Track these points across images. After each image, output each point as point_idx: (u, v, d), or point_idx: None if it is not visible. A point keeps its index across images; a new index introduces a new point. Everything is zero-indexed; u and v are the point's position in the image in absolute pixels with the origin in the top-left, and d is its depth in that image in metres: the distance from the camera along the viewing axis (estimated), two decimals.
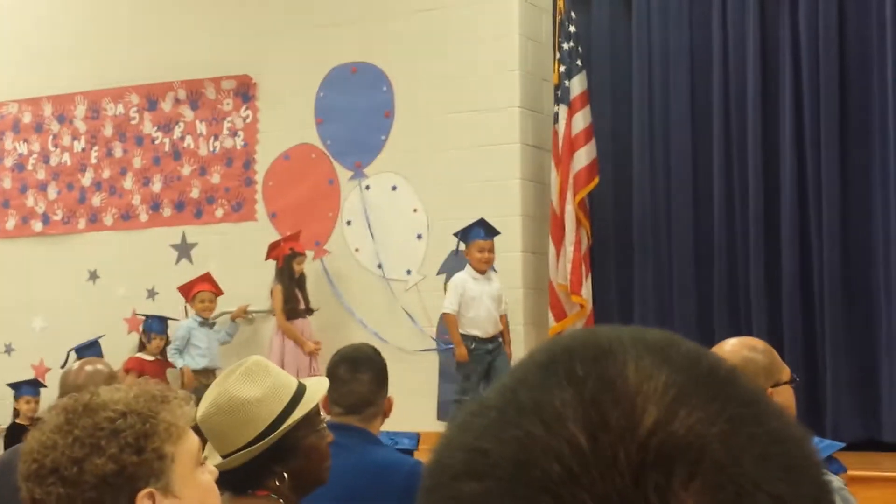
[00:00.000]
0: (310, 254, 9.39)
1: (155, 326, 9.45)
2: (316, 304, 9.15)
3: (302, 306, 9.02)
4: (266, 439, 2.62)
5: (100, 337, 9.46)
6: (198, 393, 2.96)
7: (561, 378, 0.65)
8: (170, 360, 9.23)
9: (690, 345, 0.68)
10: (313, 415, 2.75)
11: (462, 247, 8.48)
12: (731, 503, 0.61)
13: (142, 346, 9.46)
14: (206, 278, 9.38)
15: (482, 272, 8.29)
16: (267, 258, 9.06)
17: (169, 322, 9.49)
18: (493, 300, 8.28)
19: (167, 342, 9.40)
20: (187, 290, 9.34)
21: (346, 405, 3.71)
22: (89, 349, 8.96)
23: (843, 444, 4.75)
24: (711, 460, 0.61)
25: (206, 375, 8.88)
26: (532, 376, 0.67)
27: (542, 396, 0.64)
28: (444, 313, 8.35)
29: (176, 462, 1.91)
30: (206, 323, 9.30)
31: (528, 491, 0.61)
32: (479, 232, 8.32)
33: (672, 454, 0.61)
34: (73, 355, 8.74)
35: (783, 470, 0.63)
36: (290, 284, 8.98)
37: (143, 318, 9.64)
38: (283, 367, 8.50)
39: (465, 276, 8.29)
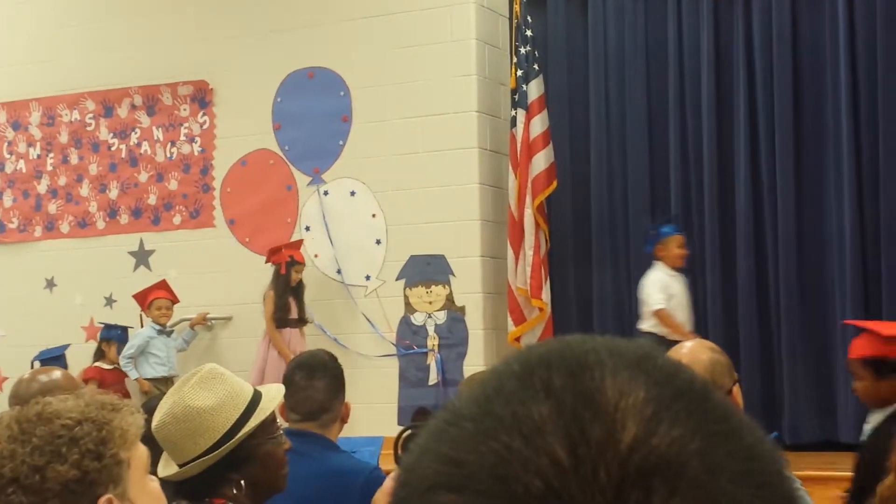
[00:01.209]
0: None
1: (115, 335, 9.37)
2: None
3: (293, 315, 8.83)
4: (222, 448, 2.62)
5: (66, 346, 9.38)
6: (155, 401, 2.95)
7: (538, 390, 0.64)
8: (123, 369, 9.10)
9: (666, 358, 0.68)
10: (269, 422, 2.75)
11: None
12: None
13: (100, 355, 9.37)
14: (162, 285, 9.28)
15: (679, 268, 8.09)
16: (266, 261, 8.93)
17: (129, 331, 9.44)
18: (687, 297, 8.09)
19: None
20: (143, 298, 9.23)
21: (302, 412, 3.70)
22: (56, 360, 8.87)
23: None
24: (691, 477, 0.61)
25: (164, 384, 8.79)
26: (508, 387, 0.66)
27: (520, 409, 0.63)
28: (656, 310, 7.93)
29: (131, 468, 1.92)
30: (164, 331, 9.19)
31: None
32: (672, 227, 8.14)
33: (652, 471, 0.60)
34: (37, 365, 8.65)
35: (758, 486, 0.63)
36: (285, 292, 8.79)
37: (102, 326, 9.56)
38: (262, 376, 8.45)
39: (661, 275, 8.01)
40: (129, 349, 9.10)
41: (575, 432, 0.62)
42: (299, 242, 9.05)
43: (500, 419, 0.64)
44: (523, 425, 0.63)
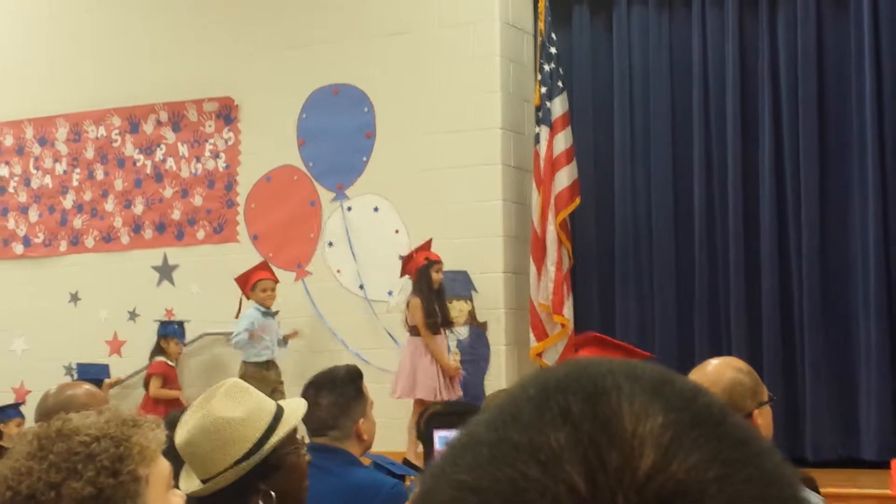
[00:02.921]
0: (292, 275, 9.39)
1: (172, 330, 9.31)
2: (307, 324, 9.07)
3: (440, 320, 8.33)
4: (254, 456, 2.64)
5: (105, 367, 9.42)
6: (177, 415, 2.95)
7: (555, 416, 0.63)
8: (238, 348, 8.79)
9: (684, 381, 0.67)
10: (293, 434, 2.77)
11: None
12: None
13: (159, 351, 9.30)
14: (264, 266, 9.04)
15: None
16: (402, 274, 8.61)
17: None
18: None
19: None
20: (245, 281, 8.94)
21: (309, 428, 3.70)
22: (92, 371, 8.91)
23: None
24: None
25: (268, 367, 8.63)
26: (525, 412, 0.65)
27: (536, 435, 0.63)
28: None
29: (150, 485, 1.92)
30: (270, 313, 8.92)
31: None
32: None
33: (670, 498, 0.60)
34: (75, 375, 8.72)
35: None
36: (430, 296, 8.30)
37: (160, 323, 9.50)
38: (414, 385, 8.18)
39: None
40: (238, 335, 8.76)
41: (593, 460, 0.61)
42: (429, 243, 8.58)
43: (517, 446, 0.63)
44: (541, 452, 0.62)
